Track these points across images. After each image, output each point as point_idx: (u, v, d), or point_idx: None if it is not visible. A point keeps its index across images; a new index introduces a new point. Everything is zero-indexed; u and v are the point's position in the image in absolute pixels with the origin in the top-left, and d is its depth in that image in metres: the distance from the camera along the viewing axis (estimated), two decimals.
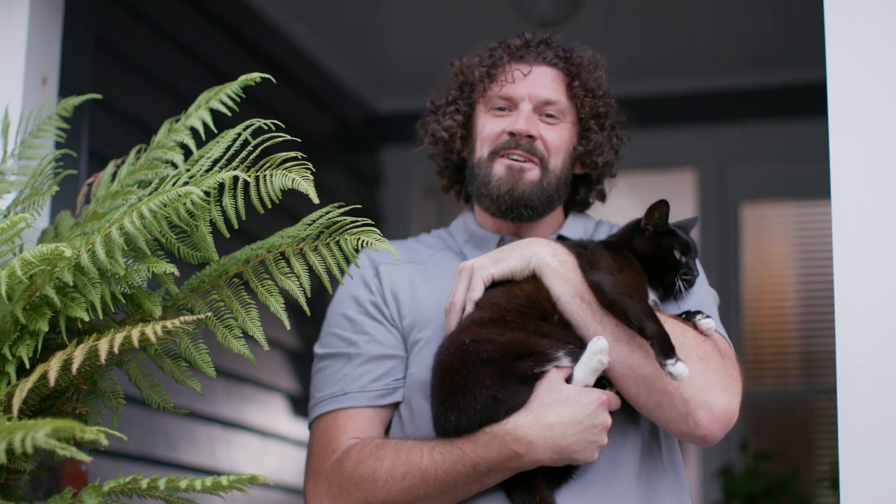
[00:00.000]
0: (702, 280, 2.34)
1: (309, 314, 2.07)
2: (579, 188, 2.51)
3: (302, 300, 2.02)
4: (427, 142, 2.52)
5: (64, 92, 2.91)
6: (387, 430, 2.33)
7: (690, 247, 2.25)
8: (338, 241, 2.05)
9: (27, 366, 1.96)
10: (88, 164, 3.13)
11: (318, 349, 2.41)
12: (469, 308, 2.22)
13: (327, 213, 2.05)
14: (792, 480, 5.30)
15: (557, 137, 2.39)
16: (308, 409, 2.38)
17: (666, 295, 2.25)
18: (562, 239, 2.37)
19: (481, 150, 2.40)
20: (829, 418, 5.53)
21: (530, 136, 2.36)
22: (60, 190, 2.56)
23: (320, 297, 2.11)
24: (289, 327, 2.06)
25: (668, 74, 5.63)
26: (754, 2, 5.00)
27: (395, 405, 2.32)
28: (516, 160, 2.37)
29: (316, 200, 1.93)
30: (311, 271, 2.05)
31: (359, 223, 2.04)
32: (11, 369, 1.97)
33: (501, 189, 2.37)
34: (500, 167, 2.37)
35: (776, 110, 5.66)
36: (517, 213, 2.37)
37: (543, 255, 2.21)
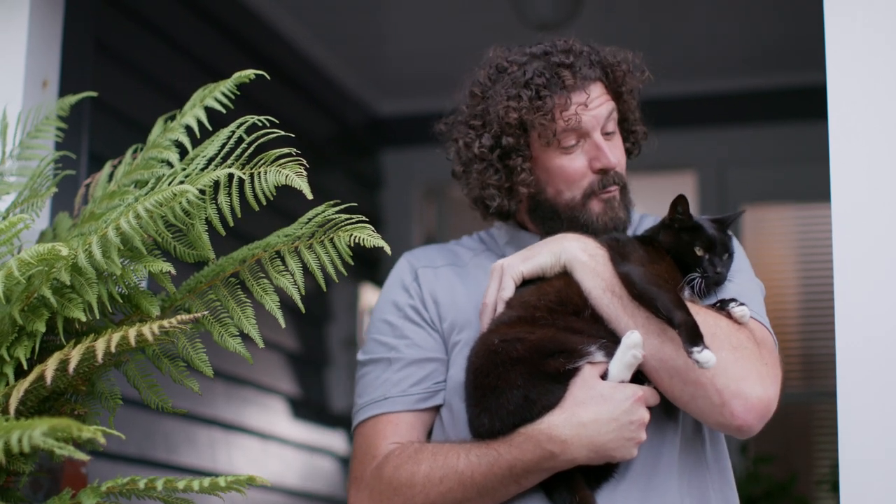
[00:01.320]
0: (741, 268, 2.28)
1: (304, 311, 2.06)
2: None
3: (296, 297, 2.02)
4: (494, 196, 2.34)
5: (64, 94, 2.91)
6: (430, 434, 2.31)
7: (715, 243, 2.19)
8: (332, 238, 2.04)
9: (25, 367, 1.96)
10: (88, 165, 3.13)
11: (360, 356, 2.39)
12: (500, 308, 2.20)
13: (322, 211, 2.04)
14: (792, 483, 5.30)
15: (622, 151, 2.36)
16: (351, 417, 2.37)
17: (690, 293, 2.18)
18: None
19: (570, 191, 2.30)
20: (829, 421, 5.53)
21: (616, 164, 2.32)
22: (61, 191, 2.56)
23: (320, 300, 2.10)
24: (284, 325, 2.05)
25: (668, 77, 5.63)
26: (755, 5, 5.00)
27: (437, 408, 2.30)
28: (610, 193, 2.31)
29: (310, 196, 1.93)
30: (310, 273, 2.05)
31: (352, 220, 2.03)
32: (9, 371, 1.97)
33: (608, 225, 2.31)
34: (597, 206, 2.31)
35: (776, 113, 5.66)
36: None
37: (573, 250, 2.19)
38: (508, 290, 2.21)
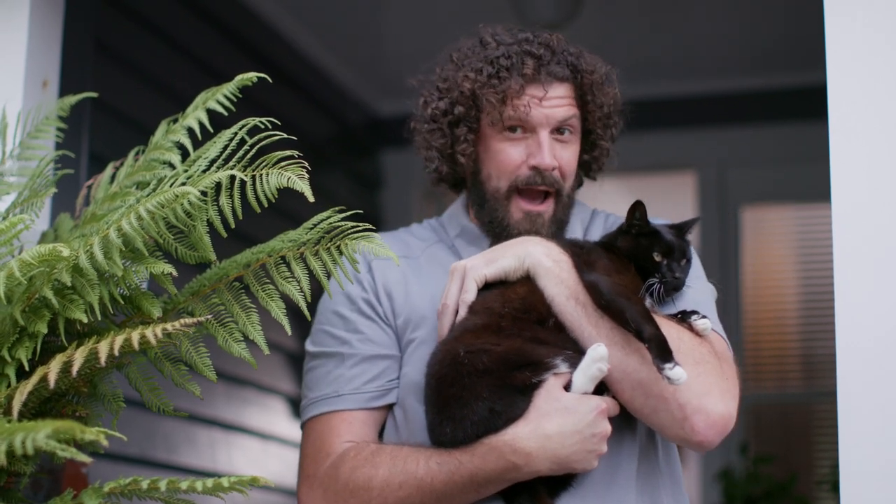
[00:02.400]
0: (698, 275, 2.29)
1: (310, 319, 2.06)
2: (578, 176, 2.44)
3: (303, 306, 2.02)
4: (435, 158, 2.43)
5: (64, 95, 2.90)
6: (381, 432, 2.30)
7: (673, 248, 2.19)
8: (339, 246, 2.04)
9: (26, 368, 1.96)
10: (88, 165, 3.13)
11: (309, 347, 2.36)
12: (462, 311, 2.18)
13: (328, 217, 2.04)
14: (792, 483, 5.30)
15: (570, 155, 2.33)
16: (300, 409, 2.34)
17: (650, 300, 2.18)
18: (558, 235, 2.32)
19: (498, 180, 2.32)
20: (829, 421, 5.53)
21: (553, 168, 2.30)
22: (61, 192, 2.56)
23: (318, 296, 2.10)
24: (290, 332, 2.05)
25: (668, 77, 5.63)
26: (755, 5, 5.00)
27: (390, 406, 2.29)
28: (535, 203, 2.30)
29: (311, 199, 1.92)
30: (311, 275, 2.04)
31: (360, 228, 2.03)
32: (11, 371, 1.97)
33: (521, 235, 2.29)
34: (517, 212, 2.30)
35: (776, 113, 5.67)
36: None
37: (538, 255, 2.17)
38: (471, 294, 2.19)
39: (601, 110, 2.36)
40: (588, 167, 2.42)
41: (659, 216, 2.47)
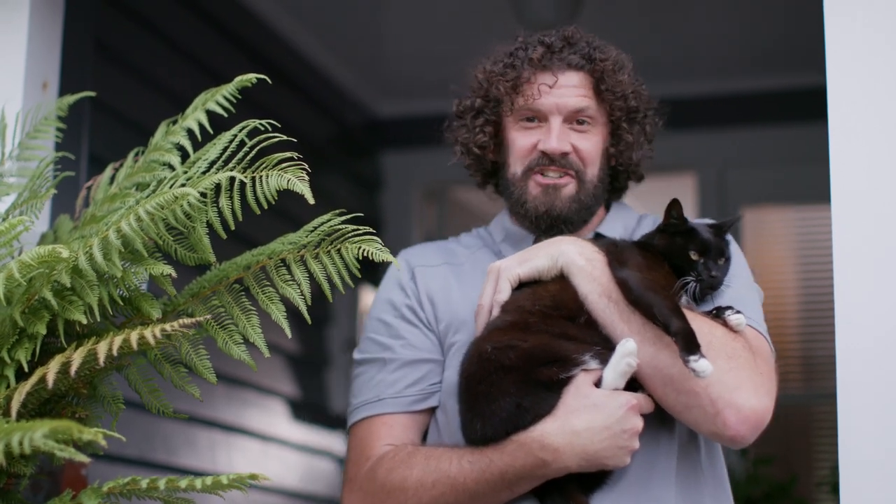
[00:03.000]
0: (742, 275, 2.28)
1: (310, 322, 2.06)
2: (618, 177, 2.47)
3: (303, 308, 2.02)
4: (458, 151, 2.46)
5: (64, 96, 2.91)
6: (425, 436, 2.31)
7: (710, 247, 2.19)
8: (339, 250, 2.04)
9: (26, 369, 1.96)
10: (88, 167, 3.13)
11: (356, 354, 2.39)
12: (496, 310, 2.19)
13: (328, 220, 2.04)
14: (792, 485, 5.30)
15: (591, 145, 2.35)
16: (347, 416, 2.37)
17: (687, 298, 2.18)
18: (599, 237, 2.33)
19: (514, 165, 2.36)
20: (829, 423, 5.53)
21: (564, 153, 2.32)
22: (61, 193, 2.56)
23: (320, 303, 2.10)
24: (290, 336, 2.05)
25: (668, 79, 5.63)
26: (755, 6, 5.00)
27: (432, 410, 2.30)
28: (551, 177, 2.33)
29: (311, 201, 1.93)
30: (312, 278, 2.05)
31: (360, 231, 2.03)
32: (10, 373, 1.97)
33: (539, 210, 2.33)
34: (534, 187, 2.34)
35: (776, 114, 5.66)
36: (556, 231, 2.33)
37: (570, 254, 2.17)
38: (504, 293, 2.20)
39: (622, 101, 2.37)
40: (616, 158, 2.42)
41: (650, 215, 2.48)
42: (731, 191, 5.76)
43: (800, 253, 5.82)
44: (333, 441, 5.35)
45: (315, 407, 5.25)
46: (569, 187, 2.34)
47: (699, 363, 1.98)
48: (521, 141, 2.36)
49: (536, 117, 2.35)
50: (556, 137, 2.32)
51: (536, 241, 2.35)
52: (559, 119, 2.33)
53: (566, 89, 2.33)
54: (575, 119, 2.34)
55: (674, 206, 2.20)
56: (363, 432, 2.29)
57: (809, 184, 5.24)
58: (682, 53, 5.49)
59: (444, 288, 2.36)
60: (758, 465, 5.37)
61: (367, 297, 5.48)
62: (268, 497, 4.72)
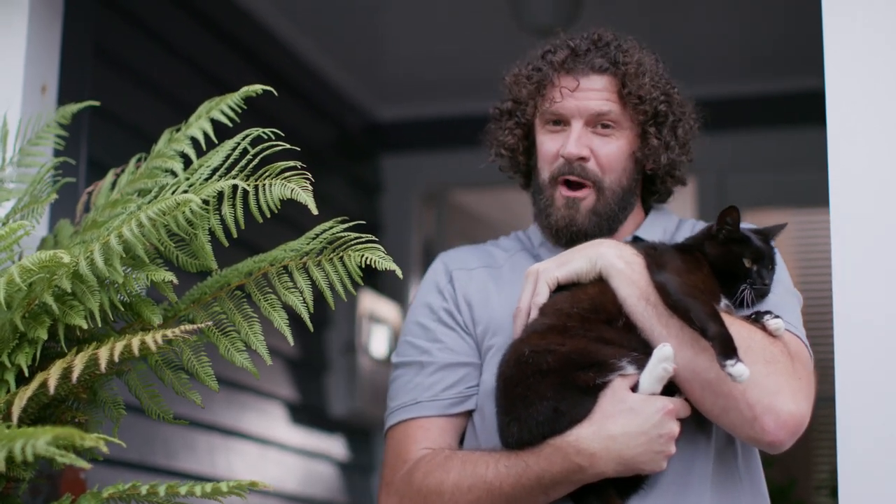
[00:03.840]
0: (782, 280, 2.27)
1: (312, 330, 2.06)
2: (655, 181, 2.45)
3: (305, 316, 2.02)
4: (493, 153, 2.46)
5: (63, 100, 2.91)
6: (462, 439, 2.31)
7: (763, 255, 2.19)
8: (341, 257, 2.04)
9: (26, 374, 1.96)
10: (87, 172, 3.13)
11: (394, 358, 2.38)
12: (534, 313, 2.19)
13: (331, 227, 2.04)
14: (791, 488, 5.30)
15: (614, 150, 2.33)
16: (384, 419, 2.36)
17: (739, 306, 2.17)
18: (637, 240, 2.33)
19: (543, 172, 2.35)
20: (827, 426, 5.52)
21: (582, 158, 2.31)
22: (60, 198, 2.56)
23: (319, 306, 2.11)
24: (292, 343, 2.06)
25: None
26: (754, 10, 5.00)
27: (469, 413, 2.29)
28: (572, 189, 2.32)
29: (315, 211, 1.93)
30: (314, 285, 2.05)
31: (363, 239, 2.03)
32: (10, 377, 1.97)
33: (560, 223, 2.32)
34: (559, 197, 2.32)
35: (776, 118, 5.67)
36: (578, 244, 2.29)
37: (609, 257, 2.17)
38: (543, 296, 2.19)
39: (647, 105, 2.34)
40: (642, 164, 2.39)
41: (690, 219, 2.47)
42: (730, 194, 5.75)
43: (799, 256, 5.82)
44: (332, 445, 5.35)
45: (314, 410, 5.25)
46: (588, 199, 2.32)
47: (736, 367, 1.98)
48: (547, 145, 2.35)
49: (561, 121, 2.34)
50: (574, 141, 2.30)
51: (571, 244, 2.32)
52: (580, 123, 2.31)
53: (589, 92, 2.32)
54: (598, 123, 2.32)
55: (730, 213, 2.19)
56: (400, 435, 2.29)
57: (809, 187, 5.24)
58: (682, 56, 5.45)
59: (481, 291, 2.35)
60: None
61: (367, 300, 5.48)
62: (267, 500, 4.72)
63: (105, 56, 3.91)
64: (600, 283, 2.17)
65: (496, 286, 2.36)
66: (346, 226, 2.04)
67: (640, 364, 2.08)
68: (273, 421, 4.90)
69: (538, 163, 2.37)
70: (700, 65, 5.58)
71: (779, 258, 2.29)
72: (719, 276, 2.18)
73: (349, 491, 5.43)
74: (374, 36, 5.39)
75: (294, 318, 2.07)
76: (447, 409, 2.28)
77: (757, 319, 2.14)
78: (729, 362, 1.98)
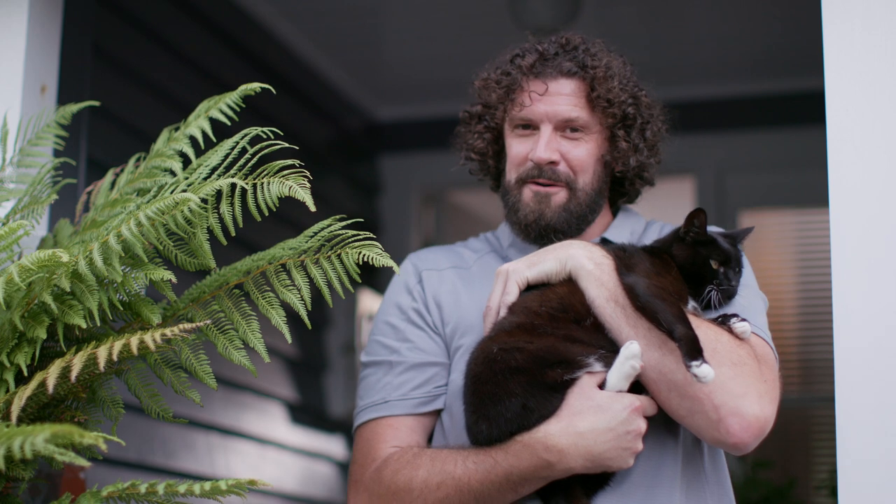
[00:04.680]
0: (748, 284, 2.29)
1: (310, 327, 2.06)
2: (624, 182, 2.46)
3: (303, 314, 2.02)
4: (463, 156, 2.49)
5: (63, 100, 2.91)
6: (430, 438, 2.32)
7: (730, 257, 2.20)
8: (339, 255, 2.05)
9: (25, 373, 1.96)
10: (87, 172, 3.13)
11: (363, 357, 2.40)
12: (503, 312, 2.21)
13: (328, 225, 2.05)
14: (790, 488, 5.30)
15: (583, 153, 2.35)
16: (353, 418, 2.38)
17: (706, 307, 2.20)
18: (605, 242, 2.34)
19: (510, 174, 2.38)
20: (827, 426, 5.53)
21: (552, 162, 2.33)
22: (59, 198, 2.56)
23: (320, 307, 2.11)
24: (290, 341, 2.06)
25: (666, 82, 5.61)
26: (753, 10, 5.00)
27: (438, 413, 2.31)
28: (542, 185, 2.34)
29: (313, 208, 1.93)
30: (312, 283, 2.05)
31: (360, 237, 2.04)
32: (10, 377, 1.97)
33: (529, 218, 2.34)
34: (527, 193, 2.34)
35: (775, 118, 5.67)
36: (547, 240, 2.33)
37: (579, 258, 2.19)
38: (512, 295, 2.21)
39: (615, 108, 2.35)
40: (615, 166, 2.40)
41: (657, 221, 2.48)
42: (729, 194, 5.76)
43: (798, 256, 5.83)
44: (331, 444, 5.35)
45: (313, 410, 5.25)
46: (559, 195, 2.34)
47: (701, 368, 1.99)
48: (516, 149, 2.37)
49: (530, 125, 2.35)
50: (543, 146, 2.32)
51: (539, 246, 2.35)
52: (549, 127, 2.33)
53: (557, 97, 2.34)
54: (567, 127, 2.34)
55: (697, 216, 2.20)
56: (369, 434, 2.30)
57: (808, 187, 5.26)
58: (681, 57, 5.49)
59: (451, 291, 2.37)
60: (756, 469, 5.37)
61: (366, 300, 5.48)
62: (266, 500, 4.72)
63: (105, 56, 3.91)
64: (569, 283, 2.19)
65: (465, 287, 2.37)
66: (344, 223, 2.04)
67: (608, 362, 2.10)
68: (272, 421, 4.90)
69: (506, 165, 2.39)
70: (700, 65, 5.58)
71: (746, 262, 2.30)
72: (687, 277, 2.20)
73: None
74: (374, 37, 5.40)
75: (294, 318, 2.07)
76: (416, 409, 2.30)
77: (724, 322, 2.15)
78: (694, 363, 2.00)
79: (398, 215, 5.98)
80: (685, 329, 2.04)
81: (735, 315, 2.16)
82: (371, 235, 2.04)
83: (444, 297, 2.36)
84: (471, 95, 2.47)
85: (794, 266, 5.84)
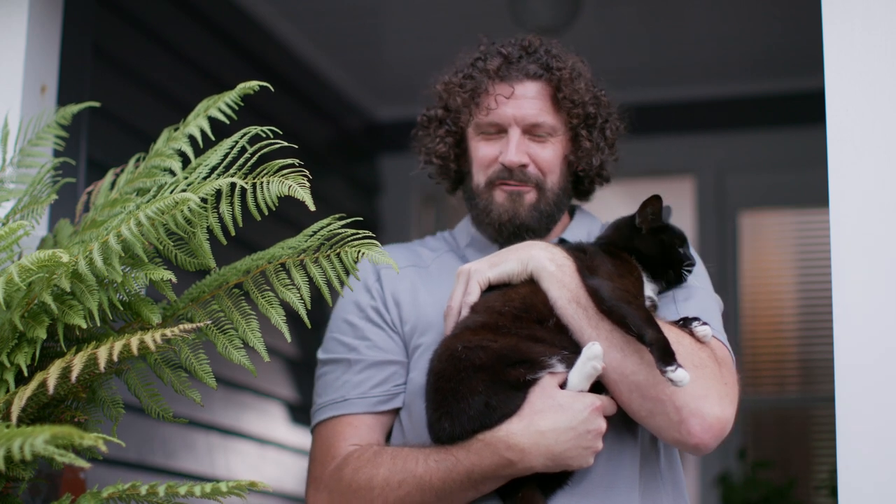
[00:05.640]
0: (705, 286, 2.33)
1: (309, 326, 2.07)
2: (583, 181, 2.49)
3: (303, 313, 2.03)
4: (422, 160, 2.51)
5: (63, 100, 2.91)
6: (388, 437, 2.33)
7: (685, 237, 2.26)
8: (338, 254, 2.05)
9: (25, 373, 1.96)
10: (87, 172, 3.13)
11: (320, 354, 2.41)
12: (465, 312, 2.22)
13: (328, 224, 2.05)
14: (790, 488, 5.30)
15: (550, 154, 2.37)
16: (310, 415, 2.38)
17: (668, 287, 2.25)
18: (562, 242, 2.35)
19: (478, 176, 2.39)
20: (827, 426, 5.53)
21: (522, 165, 2.35)
22: (59, 198, 2.56)
23: (319, 306, 2.11)
24: (290, 340, 2.06)
25: (666, 82, 5.63)
26: (753, 10, 5.00)
27: (396, 411, 2.32)
28: (513, 186, 2.36)
29: (312, 207, 1.93)
30: (311, 282, 2.05)
31: (359, 235, 2.04)
32: (10, 377, 1.97)
33: (504, 217, 2.36)
34: (499, 195, 2.36)
35: (775, 118, 5.67)
36: (519, 239, 2.34)
37: (541, 259, 2.20)
38: (474, 295, 2.22)
39: (580, 109, 2.38)
40: (577, 164, 2.43)
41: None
42: (729, 195, 5.76)
43: (798, 256, 5.83)
44: None
45: None
46: (530, 194, 2.36)
47: (677, 373, 2.01)
48: (483, 151, 2.38)
49: (496, 126, 2.37)
50: (514, 150, 2.34)
51: (502, 247, 2.37)
52: (518, 131, 2.35)
53: (524, 100, 2.36)
54: (534, 132, 2.36)
55: (651, 204, 2.25)
56: (328, 432, 2.31)
57: (808, 187, 5.25)
58: (681, 57, 5.49)
59: (409, 290, 2.38)
60: (756, 469, 5.37)
61: None
62: (266, 500, 4.72)
63: (104, 56, 3.91)
64: (531, 283, 2.21)
65: (424, 285, 2.39)
66: (343, 222, 2.04)
67: (570, 362, 2.12)
68: (272, 421, 4.90)
69: (472, 168, 2.41)
70: (700, 65, 5.58)
71: (700, 264, 2.35)
72: (654, 266, 2.24)
73: None
74: (374, 37, 5.40)
75: (293, 318, 2.07)
76: (375, 407, 2.31)
77: (685, 325, 2.18)
78: (669, 368, 2.02)
79: (398, 215, 5.98)
80: (656, 333, 2.05)
81: (696, 318, 2.19)
82: (370, 234, 2.04)
83: (403, 295, 2.37)
84: (428, 99, 2.49)
85: (794, 266, 5.84)
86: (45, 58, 2.93)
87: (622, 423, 2.18)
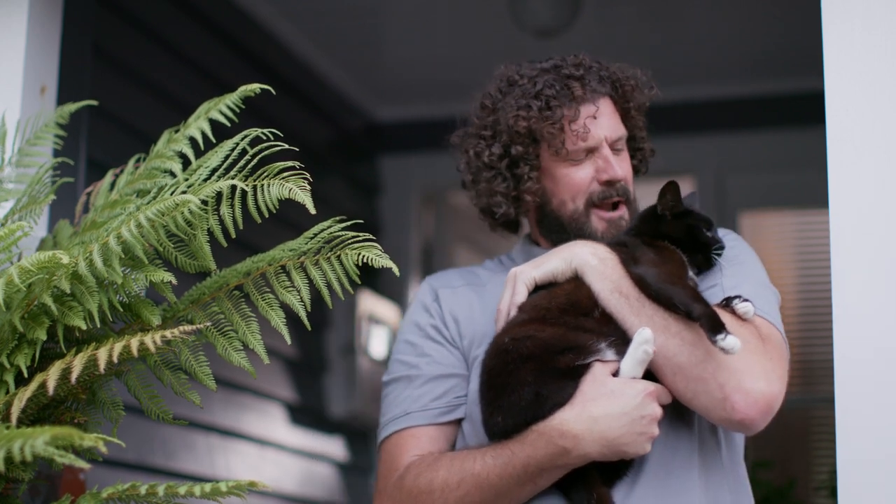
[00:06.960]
0: (757, 276, 2.34)
1: (309, 328, 2.07)
2: None
3: (303, 315, 2.03)
4: (499, 202, 2.43)
5: (62, 100, 2.91)
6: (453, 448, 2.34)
7: (711, 221, 2.28)
8: (339, 256, 2.05)
9: (25, 375, 1.96)
10: (87, 172, 3.13)
11: (384, 377, 2.43)
12: (513, 313, 2.24)
13: (329, 227, 2.05)
14: (790, 489, 5.30)
15: (628, 164, 2.43)
16: (377, 435, 2.40)
17: (700, 272, 2.27)
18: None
19: (573, 202, 2.38)
20: (827, 427, 5.53)
21: (624, 178, 2.39)
22: (59, 198, 2.56)
23: (319, 308, 2.11)
24: (290, 342, 2.06)
25: (666, 83, 5.61)
26: (754, 11, 5.00)
27: (459, 422, 2.33)
28: (614, 212, 2.38)
29: (313, 211, 1.93)
30: (312, 284, 2.05)
31: (360, 238, 2.04)
32: (10, 378, 1.97)
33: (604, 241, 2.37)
34: (599, 223, 2.38)
35: (775, 119, 5.67)
36: None
37: (584, 255, 2.23)
38: (521, 296, 2.25)
39: (641, 116, 2.47)
40: (637, 171, 2.51)
41: None
42: (729, 195, 5.76)
43: (798, 257, 5.82)
44: (331, 446, 5.35)
45: (313, 411, 5.25)
46: (625, 215, 2.40)
47: (727, 340, 2.02)
48: (578, 176, 2.38)
49: (584, 150, 2.38)
50: (617, 165, 2.38)
51: None
52: (607, 146, 2.39)
53: (605, 118, 2.39)
54: (613, 144, 2.40)
55: (669, 190, 2.28)
56: (391, 447, 2.33)
57: (808, 188, 5.24)
58: (681, 57, 5.49)
59: (466, 307, 2.40)
60: (756, 469, 5.36)
61: (366, 301, 5.48)
62: (266, 501, 4.72)
63: (104, 56, 3.91)
64: (575, 280, 2.23)
65: (480, 302, 2.40)
66: (343, 225, 2.05)
67: (618, 348, 2.14)
68: (272, 422, 4.90)
69: (564, 196, 2.39)
70: (700, 65, 5.58)
71: (754, 255, 2.37)
72: (686, 251, 2.26)
73: (348, 492, 5.42)
74: (374, 37, 5.40)
75: (293, 319, 2.07)
76: (436, 419, 2.32)
77: (727, 304, 2.19)
78: (719, 336, 2.03)
79: (398, 216, 5.98)
80: (704, 307, 2.07)
81: (738, 296, 2.19)
82: (370, 237, 2.04)
83: (461, 311, 2.40)
84: (488, 139, 2.43)
85: (794, 266, 5.84)
86: (45, 58, 2.93)
87: (676, 413, 2.19)
